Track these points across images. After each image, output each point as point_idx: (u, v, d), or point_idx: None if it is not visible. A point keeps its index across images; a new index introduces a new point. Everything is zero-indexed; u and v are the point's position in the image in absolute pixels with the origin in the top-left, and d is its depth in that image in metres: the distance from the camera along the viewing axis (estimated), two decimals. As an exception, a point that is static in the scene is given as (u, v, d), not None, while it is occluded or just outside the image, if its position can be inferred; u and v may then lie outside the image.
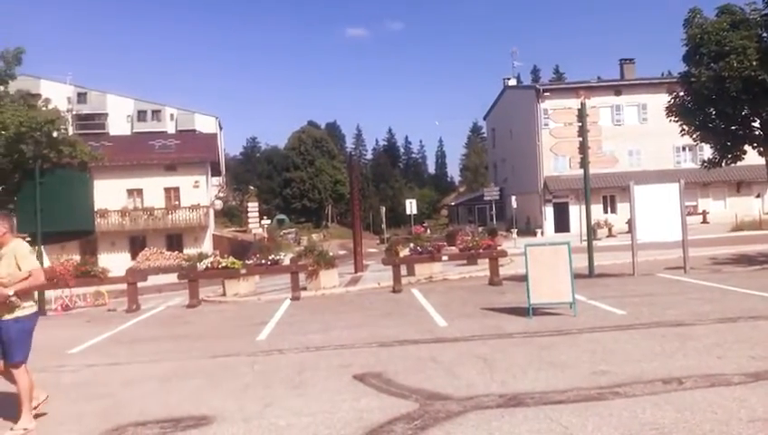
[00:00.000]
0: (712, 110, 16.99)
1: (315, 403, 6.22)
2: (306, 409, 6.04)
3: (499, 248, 16.61)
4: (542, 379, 6.55)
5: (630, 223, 16.58)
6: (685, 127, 17.92)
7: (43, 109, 17.68)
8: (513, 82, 57.55)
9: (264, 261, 16.23)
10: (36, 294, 6.39)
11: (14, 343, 5.84)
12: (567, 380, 6.45)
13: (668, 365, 6.79)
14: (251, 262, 16.23)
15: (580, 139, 15.39)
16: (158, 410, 6.32)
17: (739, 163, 18.58)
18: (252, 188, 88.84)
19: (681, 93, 17.75)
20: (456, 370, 7.16)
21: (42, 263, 16.04)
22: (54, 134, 17.17)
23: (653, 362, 6.98)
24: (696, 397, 5.63)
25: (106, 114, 74.10)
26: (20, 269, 5.79)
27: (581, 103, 15.56)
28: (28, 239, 17.09)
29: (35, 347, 10.74)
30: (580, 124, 15.40)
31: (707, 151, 20.70)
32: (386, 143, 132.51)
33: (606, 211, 43.95)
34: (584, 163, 15.40)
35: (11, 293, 5.68)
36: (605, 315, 10.16)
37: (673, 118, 18.12)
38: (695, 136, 17.94)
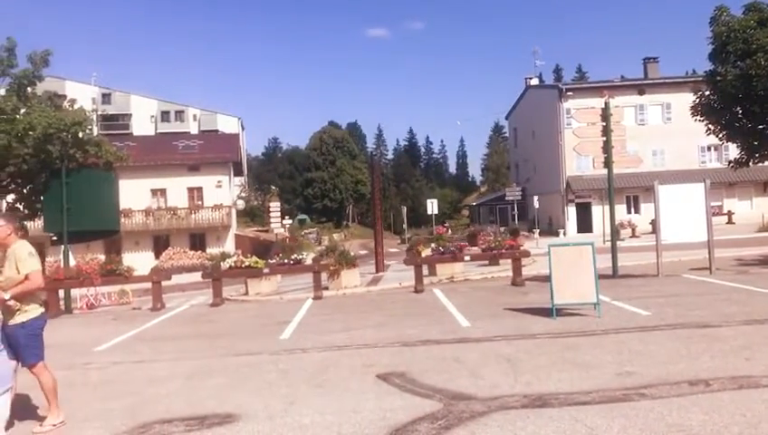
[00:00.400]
0: (738, 109, 16.77)
1: (339, 402, 6.24)
2: (330, 407, 6.06)
3: (522, 249, 16.50)
4: (566, 380, 6.51)
5: (655, 223, 16.39)
6: (710, 126, 17.71)
7: (70, 110, 17.89)
8: (535, 82, 57.25)
9: (286, 260, 16.30)
10: (42, 295, 6.31)
11: (25, 348, 5.79)
12: (592, 381, 6.41)
13: (695, 367, 6.72)
14: (274, 261, 16.31)
15: (604, 138, 15.27)
16: (184, 408, 6.37)
17: (766, 163, 18.31)
18: (273, 188, 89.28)
19: (707, 92, 17.53)
20: (479, 370, 7.14)
21: (67, 262, 16.32)
22: (80, 135, 17.39)
23: (679, 363, 6.91)
24: (724, 399, 5.57)
25: (130, 115, 74.95)
26: (18, 272, 5.73)
27: (605, 103, 15.42)
28: (54, 238, 17.39)
29: (63, 344, 10.98)
30: (604, 124, 15.27)
31: (733, 151, 20.48)
32: (407, 143, 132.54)
33: (629, 211, 43.56)
34: (608, 163, 15.27)
35: (7, 296, 5.61)
36: (630, 316, 10.07)
37: (698, 117, 17.91)
38: (721, 135, 17.72)
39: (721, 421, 4.99)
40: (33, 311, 5.88)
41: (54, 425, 5.90)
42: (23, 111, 17.23)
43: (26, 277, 5.74)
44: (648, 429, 4.92)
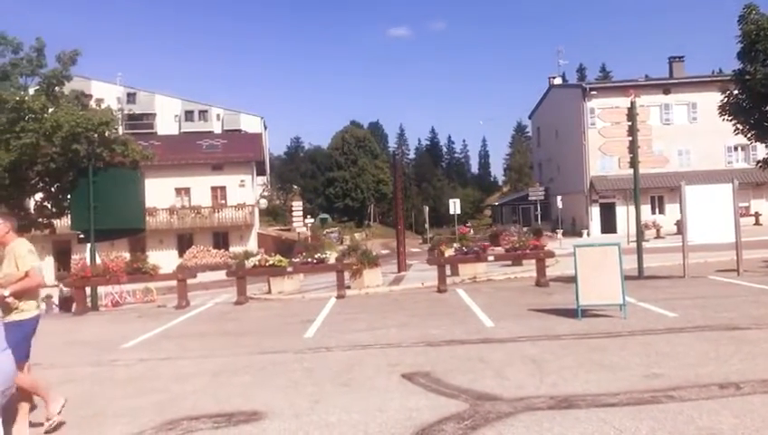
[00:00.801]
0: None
1: (364, 401, 6.25)
2: (356, 406, 6.08)
3: (546, 249, 16.39)
4: (593, 381, 6.47)
5: (680, 224, 16.20)
6: (739, 126, 17.43)
7: (97, 109, 18.12)
8: (558, 81, 56.88)
9: (309, 259, 16.35)
10: (40, 295, 6.09)
11: (15, 347, 5.43)
12: (619, 382, 6.36)
13: (724, 369, 6.64)
14: (297, 260, 16.38)
15: (630, 138, 15.12)
16: (211, 405, 6.43)
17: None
18: (295, 187, 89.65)
19: (735, 91, 17.26)
20: (505, 370, 7.11)
21: (94, 259, 16.52)
22: (107, 134, 17.60)
23: (708, 365, 6.83)
24: (755, 402, 5.49)
25: (154, 114, 75.63)
26: (18, 269, 5.71)
27: (631, 102, 15.27)
28: (81, 236, 17.62)
29: (90, 341, 11.13)
30: (630, 123, 15.12)
31: (761, 151, 20.15)
32: (428, 142, 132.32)
33: (654, 212, 43.14)
34: (634, 163, 15.12)
35: (6, 293, 5.58)
36: (656, 318, 9.96)
37: (726, 117, 17.63)
38: (749, 135, 17.43)
39: (752, 425, 4.93)
40: (30, 310, 5.82)
41: (59, 412, 5.86)
42: (50, 110, 17.47)
43: (26, 274, 5.72)
44: (678, 432, 4.88)
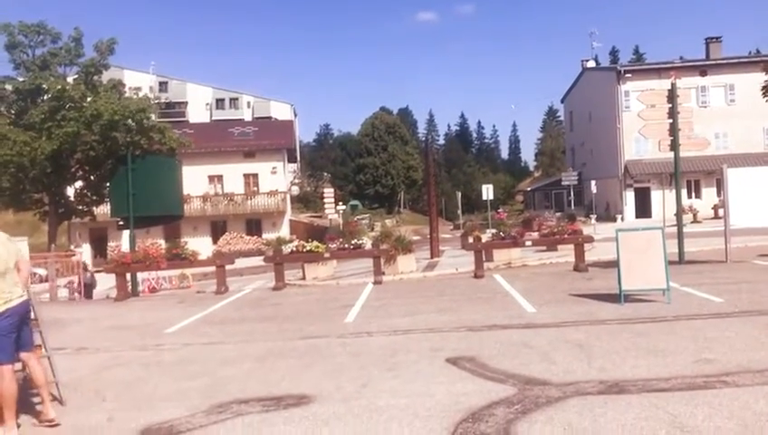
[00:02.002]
0: (813, 88, 16.14)
1: (411, 385, 6.25)
2: (403, 390, 6.08)
3: (585, 234, 16.22)
4: (642, 366, 6.39)
5: (722, 207, 15.92)
6: (782, 107, 17.05)
7: (134, 98, 18.32)
8: (591, 64, 56.03)
9: (346, 245, 16.39)
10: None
11: None
12: (670, 367, 6.27)
13: (777, 355, 6.52)
14: (334, 246, 16.43)
15: (671, 120, 14.84)
16: (259, 389, 6.48)
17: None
18: (326, 174, 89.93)
19: (779, 72, 16.89)
20: (551, 355, 7.06)
21: (134, 246, 16.76)
22: (144, 122, 17.78)
23: (760, 351, 6.71)
24: (813, 388, 5.38)
25: (186, 102, 76.21)
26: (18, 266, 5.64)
27: (672, 84, 14.98)
28: (121, 223, 17.88)
29: (134, 326, 11.32)
30: (671, 106, 14.84)
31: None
32: (458, 128, 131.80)
33: (690, 196, 42.42)
34: (675, 146, 14.85)
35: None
36: (701, 303, 9.81)
37: (769, 97, 17.26)
38: (793, 116, 17.06)
39: (811, 411, 4.83)
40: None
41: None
42: (89, 98, 17.70)
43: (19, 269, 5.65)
44: (735, 417, 4.80)
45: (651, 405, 5.17)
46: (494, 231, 17.21)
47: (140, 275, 18.33)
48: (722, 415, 4.85)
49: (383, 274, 16.22)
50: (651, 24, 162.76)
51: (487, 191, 39.74)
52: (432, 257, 22.33)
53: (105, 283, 19.71)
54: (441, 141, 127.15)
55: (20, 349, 5.66)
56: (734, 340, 7.26)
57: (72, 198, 20.57)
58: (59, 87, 17.14)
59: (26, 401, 6.11)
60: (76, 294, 18.39)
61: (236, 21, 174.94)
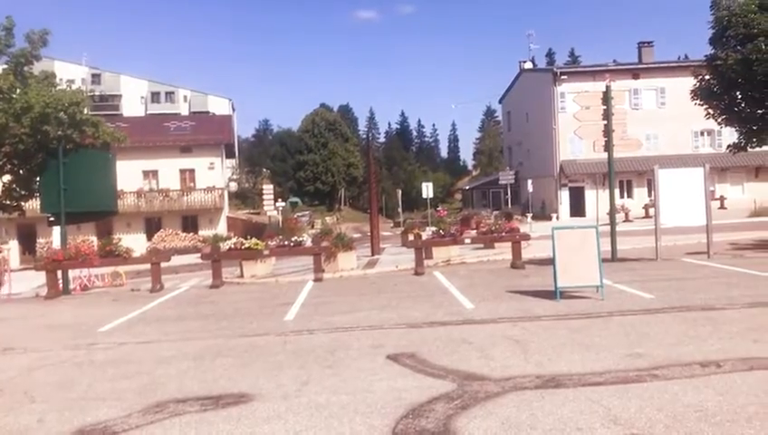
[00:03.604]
0: (738, 93, 16.81)
1: (352, 382, 6.26)
2: (344, 387, 6.08)
3: (522, 232, 16.54)
4: (577, 361, 6.56)
5: (653, 207, 16.47)
6: (710, 110, 17.73)
7: (67, 90, 17.69)
8: (529, 65, 57.11)
9: (286, 242, 16.26)
10: None
11: None
12: (603, 362, 6.46)
13: (704, 349, 6.78)
14: (274, 243, 16.26)
15: (605, 122, 15.26)
16: (197, 388, 6.38)
17: (762, 148, 18.42)
18: (265, 170, 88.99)
19: (707, 76, 17.54)
20: (489, 351, 7.17)
21: (65, 243, 16.22)
22: (77, 115, 17.19)
23: (688, 345, 6.97)
24: (737, 380, 5.62)
25: (120, 95, 74.23)
26: None
27: (606, 86, 15.42)
28: (51, 219, 17.26)
29: (66, 325, 10.97)
30: (605, 107, 15.26)
31: (726, 137, 20.47)
32: (398, 126, 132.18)
33: (622, 196, 43.66)
34: (609, 147, 15.28)
35: None
36: (633, 299, 10.13)
37: (698, 101, 17.92)
38: (720, 120, 17.76)
39: (736, 402, 5.05)
40: None
41: None
42: (18, 90, 17.02)
43: None
44: (665, 409, 4.97)
45: (586, 399, 5.31)
46: (433, 229, 17.37)
47: (71, 273, 17.74)
48: (653, 407, 5.02)
49: (323, 271, 16.16)
50: (586, 28, 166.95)
51: (427, 189, 40.06)
52: (373, 255, 22.36)
53: (34, 280, 19.02)
54: (382, 139, 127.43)
55: None
56: (664, 335, 7.53)
57: (-2, 193, 19.76)
58: (-16, 78, 16.45)
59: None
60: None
61: (173, 13, 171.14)
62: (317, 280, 15.26)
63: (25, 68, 18.13)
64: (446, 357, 7.02)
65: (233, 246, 16.28)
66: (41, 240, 37.87)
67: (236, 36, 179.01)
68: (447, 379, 6.17)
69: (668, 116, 42.83)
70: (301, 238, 16.62)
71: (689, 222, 15.62)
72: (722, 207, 41.00)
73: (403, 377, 6.35)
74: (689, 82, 18.75)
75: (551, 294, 10.46)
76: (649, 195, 39.86)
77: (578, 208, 43.92)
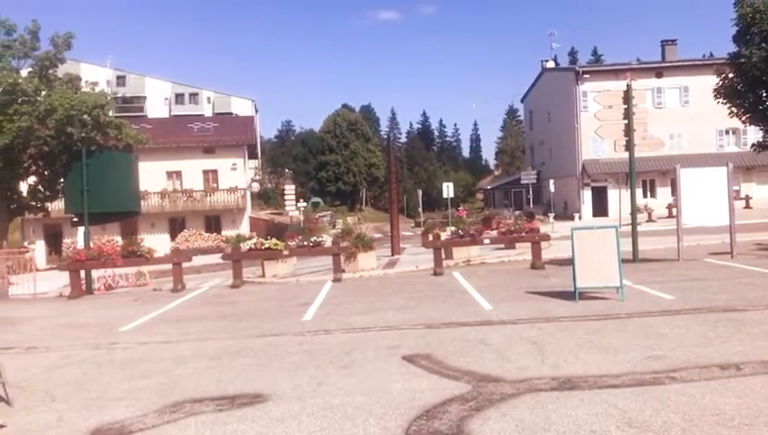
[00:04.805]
0: (763, 91, 16.56)
1: (367, 383, 6.26)
2: (359, 388, 6.09)
3: (542, 232, 16.43)
4: (594, 363, 6.50)
5: (675, 207, 16.25)
6: (733, 109, 17.49)
7: (92, 93, 17.93)
8: (551, 65, 56.72)
9: (306, 243, 16.32)
10: None
11: None
12: (620, 364, 6.39)
13: (724, 351, 6.69)
14: (293, 243, 16.33)
15: (626, 121, 15.10)
16: (213, 388, 6.42)
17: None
18: (288, 171, 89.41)
19: (730, 75, 17.30)
20: (505, 352, 7.14)
21: (88, 243, 16.43)
22: (101, 117, 17.42)
23: (707, 347, 6.88)
24: (757, 383, 5.54)
25: (144, 97, 74.92)
26: None
27: (628, 85, 15.25)
28: (75, 220, 17.50)
29: (88, 324, 11.10)
30: (626, 106, 15.10)
31: (752, 135, 20.18)
32: (420, 126, 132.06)
33: (645, 196, 43.23)
34: (630, 146, 15.12)
35: None
36: (653, 300, 10.02)
37: (721, 100, 17.68)
38: (744, 118, 17.51)
39: (755, 406, 4.97)
40: None
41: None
42: (43, 93, 17.30)
43: None
44: (682, 412, 4.91)
45: (602, 401, 5.27)
46: (453, 229, 17.32)
47: (96, 273, 17.97)
48: (669, 410, 4.96)
49: (343, 271, 16.20)
50: (609, 27, 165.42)
51: (447, 189, 39.94)
52: (393, 255, 22.37)
53: (59, 280, 19.28)
54: (403, 139, 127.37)
55: None
56: (684, 336, 7.44)
57: (24, 194, 20.05)
58: (10, 80, 16.70)
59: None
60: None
61: (197, 16, 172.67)
62: (336, 280, 15.29)
63: (50, 71, 18.41)
64: (462, 358, 6.99)
65: (253, 246, 16.37)
66: (66, 240, 38.40)
67: (259, 38, 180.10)
68: (462, 380, 6.15)
69: (692, 115, 42.29)
70: (320, 239, 16.65)
71: (712, 222, 15.41)
72: (747, 206, 40.41)
73: (418, 378, 6.35)
74: (713, 81, 18.50)
75: (570, 295, 10.39)
76: (673, 194, 39.39)
77: (600, 208, 43.54)
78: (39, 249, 35.04)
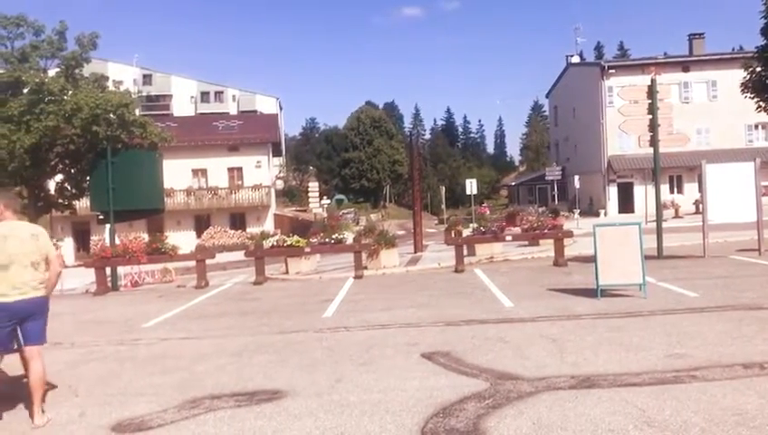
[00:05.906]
0: (791, 85, 16.29)
1: (385, 380, 6.27)
2: (376, 385, 6.10)
3: (565, 229, 16.30)
4: (614, 361, 6.44)
5: (700, 203, 16.02)
6: (761, 103, 17.20)
7: (117, 91, 18.17)
8: (576, 59, 56.25)
9: (327, 240, 16.37)
10: None
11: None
12: (641, 362, 6.32)
13: (748, 350, 6.58)
14: (315, 241, 16.39)
15: (651, 116, 14.91)
16: (232, 384, 6.47)
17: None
18: (311, 168, 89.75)
19: (758, 68, 17.00)
20: (525, 350, 7.09)
21: (113, 240, 16.64)
22: (126, 116, 17.65)
23: (731, 346, 6.77)
24: (780, 383, 5.44)
25: (170, 96, 75.75)
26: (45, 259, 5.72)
27: (652, 80, 15.05)
28: (101, 217, 17.74)
29: (112, 320, 11.25)
30: (650, 101, 14.90)
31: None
32: (444, 123, 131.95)
33: (672, 192, 42.75)
34: (654, 142, 14.92)
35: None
36: (677, 298, 9.89)
37: (748, 94, 17.38)
38: (772, 112, 17.22)
39: (778, 405, 4.89)
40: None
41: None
42: (70, 92, 17.56)
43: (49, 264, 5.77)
44: (702, 411, 4.85)
45: (621, 400, 5.22)
46: (475, 226, 17.26)
47: (122, 270, 18.21)
48: (689, 410, 4.90)
49: (365, 268, 16.23)
50: (636, 21, 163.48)
51: (471, 186, 39.76)
52: (416, 252, 22.34)
53: (87, 277, 19.58)
54: (427, 136, 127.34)
55: (23, 343, 5.66)
56: (707, 335, 7.33)
57: (51, 192, 20.40)
58: (37, 80, 16.98)
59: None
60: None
61: (222, 14, 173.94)
62: (357, 277, 15.32)
63: (76, 70, 18.67)
64: (481, 356, 6.97)
65: (276, 243, 16.46)
66: (94, 237, 39.01)
67: (284, 35, 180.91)
68: (480, 378, 6.13)
69: (720, 109, 41.70)
70: (342, 236, 16.69)
71: (739, 218, 15.15)
72: (777, 202, 39.67)
73: (436, 376, 6.34)
74: (742, 75, 18.20)
75: (592, 293, 10.30)
76: (700, 190, 38.86)
77: (626, 204, 43.12)
78: (67, 246, 35.57)
